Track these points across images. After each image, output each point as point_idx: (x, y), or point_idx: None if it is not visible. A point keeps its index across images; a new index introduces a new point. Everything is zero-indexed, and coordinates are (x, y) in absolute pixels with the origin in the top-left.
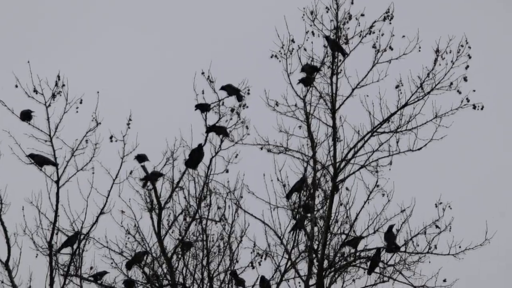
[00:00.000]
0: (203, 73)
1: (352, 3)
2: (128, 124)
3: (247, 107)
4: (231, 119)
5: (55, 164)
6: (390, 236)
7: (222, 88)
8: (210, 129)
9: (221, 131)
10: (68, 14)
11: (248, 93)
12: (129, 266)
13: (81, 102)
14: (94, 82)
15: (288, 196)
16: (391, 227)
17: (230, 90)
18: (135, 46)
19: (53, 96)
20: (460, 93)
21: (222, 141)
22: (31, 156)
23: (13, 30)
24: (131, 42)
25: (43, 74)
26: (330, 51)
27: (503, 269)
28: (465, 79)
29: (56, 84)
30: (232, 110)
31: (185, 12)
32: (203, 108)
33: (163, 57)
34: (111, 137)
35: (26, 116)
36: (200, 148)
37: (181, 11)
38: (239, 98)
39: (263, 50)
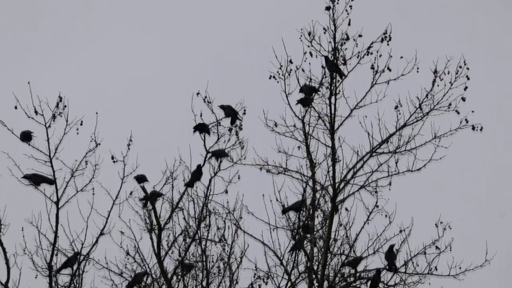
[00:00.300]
0: (198, 93)
1: (349, 24)
2: (129, 145)
3: (241, 128)
4: (229, 140)
5: (51, 182)
6: (391, 256)
7: (222, 106)
8: (209, 154)
9: (220, 154)
10: (68, 14)
11: (244, 113)
12: (129, 287)
13: (81, 124)
14: (94, 82)
15: (284, 212)
16: (391, 246)
17: (228, 110)
18: (135, 46)
19: (53, 117)
20: (458, 113)
21: (221, 161)
22: (26, 177)
23: (13, 30)
24: (131, 42)
25: (42, 76)
26: (328, 71)
27: None
28: (463, 99)
29: (57, 106)
30: (230, 130)
31: (185, 15)
32: (201, 129)
33: (163, 58)
34: (112, 157)
35: (26, 136)
36: (198, 168)
37: (181, 14)
38: (233, 121)
39: (262, 70)
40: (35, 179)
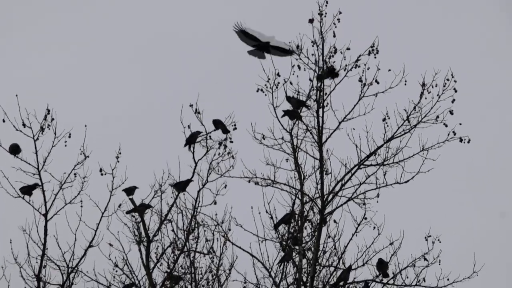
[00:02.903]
0: (191, 105)
1: (334, 36)
2: (117, 157)
3: (231, 141)
4: (219, 153)
5: (38, 185)
6: (383, 266)
7: (214, 121)
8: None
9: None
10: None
11: (235, 128)
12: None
13: (69, 136)
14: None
15: (276, 227)
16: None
17: (217, 124)
18: (122, 58)
19: (42, 129)
20: (446, 126)
21: (209, 173)
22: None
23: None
24: (119, 53)
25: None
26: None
27: None
28: (451, 112)
29: (45, 118)
30: (220, 143)
31: (174, 25)
32: (192, 139)
33: (151, 68)
34: (100, 170)
35: (15, 149)
36: (187, 182)
37: (170, 25)
38: (225, 131)
39: (250, 82)
40: (26, 189)
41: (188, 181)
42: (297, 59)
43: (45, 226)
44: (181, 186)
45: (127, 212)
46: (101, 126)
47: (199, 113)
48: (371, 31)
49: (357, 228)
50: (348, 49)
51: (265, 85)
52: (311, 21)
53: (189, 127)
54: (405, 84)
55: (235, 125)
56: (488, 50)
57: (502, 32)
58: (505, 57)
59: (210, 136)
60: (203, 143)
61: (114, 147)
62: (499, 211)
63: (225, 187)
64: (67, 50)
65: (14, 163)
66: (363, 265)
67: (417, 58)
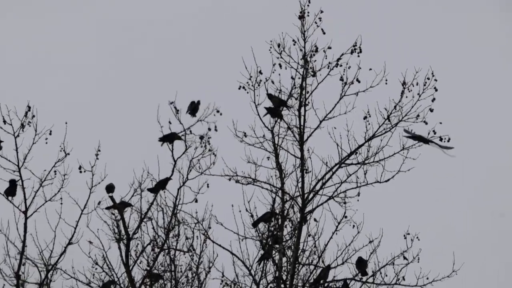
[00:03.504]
0: (172, 102)
1: (323, 33)
2: (97, 155)
3: (209, 138)
4: (200, 147)
5: (14, 182)
6: (362, 264)
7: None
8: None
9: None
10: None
11: (216, 130)
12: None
13: (50, 133)
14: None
15: (254, 225)
16: (360, 258)
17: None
18: (102, 50)
19: (22, 126)
20: (426, 123)
21: (189, 171)
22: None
23: None
24: (98, 45)
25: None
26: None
27: None
28: (430, 110)
29: (26, 115)
30: (202, 137)
31: (155, 22)
32: (169, 139)
33: (130, 65)
34: (79, 168)
35: None
36: (166, 179)
37: (152, 22)
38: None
39: (232, 81)
40: (10, 190)
41: (167, 179)
42: (278, 58)
43: (25, 224)
44: (160, 185)
45: (107, 208)
46: (82, 123)
47: (177, 111)
48: (352, 30)
49: (337, 227)
50: (329, 48)
51: (247, 82)
52: (300, 17)
53: (170, 123)
54: (386, 83)
55: (215, 127)
56: (488, 48)
57: (502, 31)
58: (504, 56)
59: (190, 131)
60: (183, 138)
61: (94, 145)
62: (481, 210)
63: (208, 186)
64: (63, 48)
65: None
66: (343, 263)
67: (398, 57)
